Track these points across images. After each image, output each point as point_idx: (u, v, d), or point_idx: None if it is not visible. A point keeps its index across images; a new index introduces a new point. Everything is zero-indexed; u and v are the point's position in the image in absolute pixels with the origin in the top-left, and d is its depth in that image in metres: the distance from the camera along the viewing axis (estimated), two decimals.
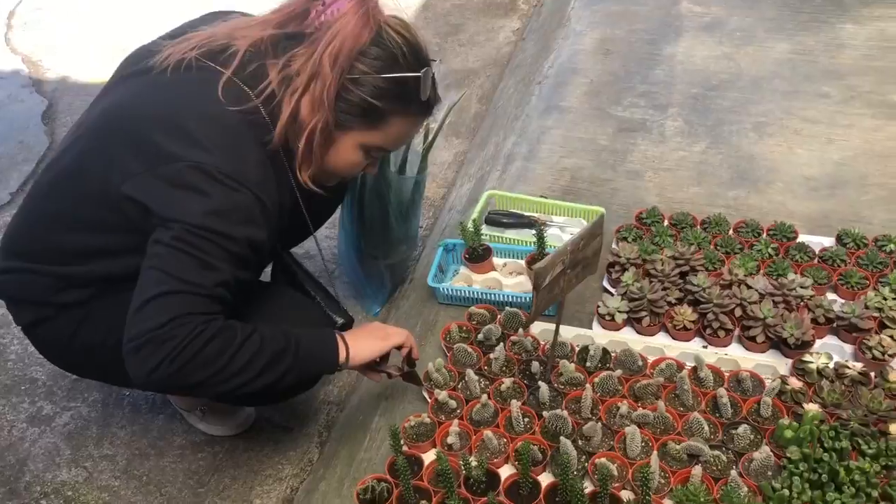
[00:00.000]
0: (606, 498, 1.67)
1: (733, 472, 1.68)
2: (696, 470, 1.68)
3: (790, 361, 1.95)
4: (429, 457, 1.87)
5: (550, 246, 2.25)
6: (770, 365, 1.96)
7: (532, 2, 4.22)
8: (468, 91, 3.56)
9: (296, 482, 2.13)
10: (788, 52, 3.13)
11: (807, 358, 1.90)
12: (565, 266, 1.72)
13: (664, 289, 2.08)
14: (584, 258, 1.77)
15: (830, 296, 2.11)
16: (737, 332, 2.02)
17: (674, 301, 2.08)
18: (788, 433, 1.73)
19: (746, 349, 2.02)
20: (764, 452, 1.70)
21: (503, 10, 4.20)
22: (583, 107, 3.00)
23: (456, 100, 2.84)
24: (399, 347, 1.87)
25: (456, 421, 1.86)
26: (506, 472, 1.81)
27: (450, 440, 1.84)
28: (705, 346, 2.05)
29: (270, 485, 2.14)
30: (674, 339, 2.08)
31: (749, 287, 2.05)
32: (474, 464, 1.75)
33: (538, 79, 3.23)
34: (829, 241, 2.26)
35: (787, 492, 1.63)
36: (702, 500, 1.60)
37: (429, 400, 2.00)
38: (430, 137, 2.31)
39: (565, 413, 1.82)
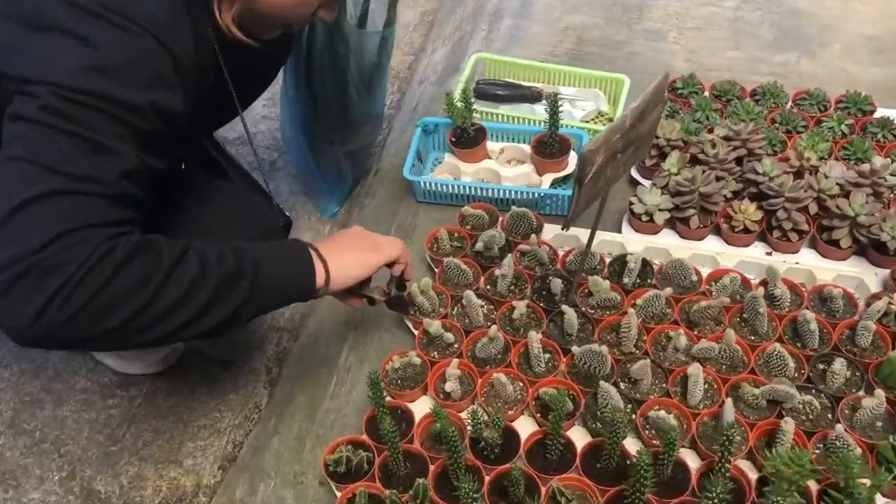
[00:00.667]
0: (670, 464, 1.23)
1: (839, 427, 1.25)
2: (787, 423, 1.24)
3: (884, 272, 1.51)
4: (419, 407, 1.39)
5: (563, 125, 1.72)
6: (855, 276, 1.52)
7: None
8: None
9: (239, 435, 1.64)
10: None
11: None
12: (618, 148, 1.20)
13: (717, 179, 1.59)
14: (639, 137, 1.26)
15: None
16: (811, 233, 1.56)
17: (729, 195, 1.60)
18: None
19: (822, 255, 1.57)
20: (878, 398, 1.26)
21: None
22: None
23: None
24: (390, 264, 1.36)
25: (455, 360, 1.38)
26: (524, 427, 1.35)
27: (448, 386, 1.36)
28: (769, 253, 1.58)
29: (206, 439, 1.64)
30: (728, 243, 1.61)
31: (826, 176, 1.57)
32: (485, 419, 1.28)
33: None
34: None
35: None
36: (808, 469, 1.17)
37: (414, 332, 1.51)
38: None
39: (603, 348, 1.35)
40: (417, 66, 2.37)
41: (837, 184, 1.56)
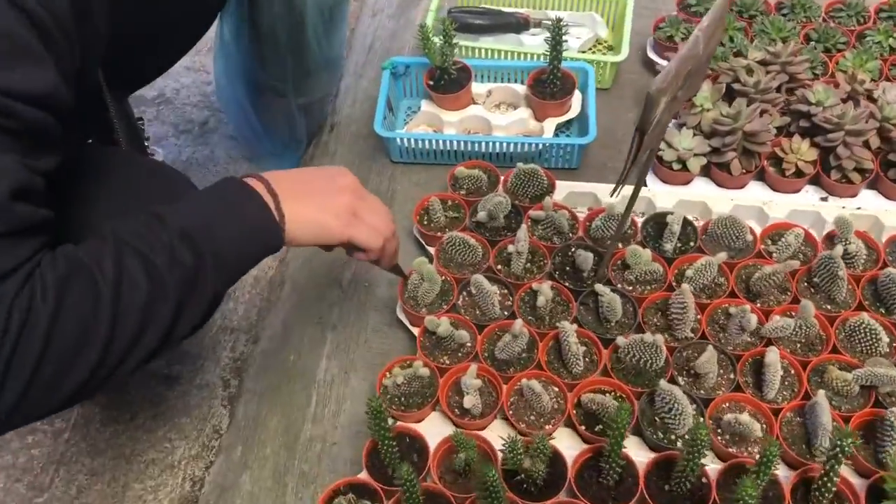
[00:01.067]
0: (763, 483, 0.97)
1: None
2: None
3: None
4: (431, 428, 1.10)
5: (564, 58, 1.41)
6: None
7: None
8: None
9: (197, 469, 1.32)
10: None
11: None
12: (683, 82, 0.90)
13: (762, 112, 1.31)
14: (699, 66, 0.96)
15: None
16: (875, 172, 1.30)
17: (774, 132, 1.32)
18: None
19: (887, 197, 1.31)
20: None
21: None
22: None
23: None
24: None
25: (473, 367, 1.08)
26: (563, 442, 1.08)
27: (467, 402, 1.07)
28: (824, 199, 1.32)
29: (156, 477, 1.32)
30: (775, 190, 1.34)
31: (888, 101, 1.31)
32: (523, 443, 0.99)
33: None
34: None
35: None
36: None
37: (412, 329, 1.21)
38: None
39: (657, 338, 1.07)
40: None
41: None
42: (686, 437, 1.05)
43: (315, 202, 0.94)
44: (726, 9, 0.94)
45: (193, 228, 0.84)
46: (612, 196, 0.99)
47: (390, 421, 1.01)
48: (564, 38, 1.35)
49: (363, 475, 1.05)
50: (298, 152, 1.65)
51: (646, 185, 1.35)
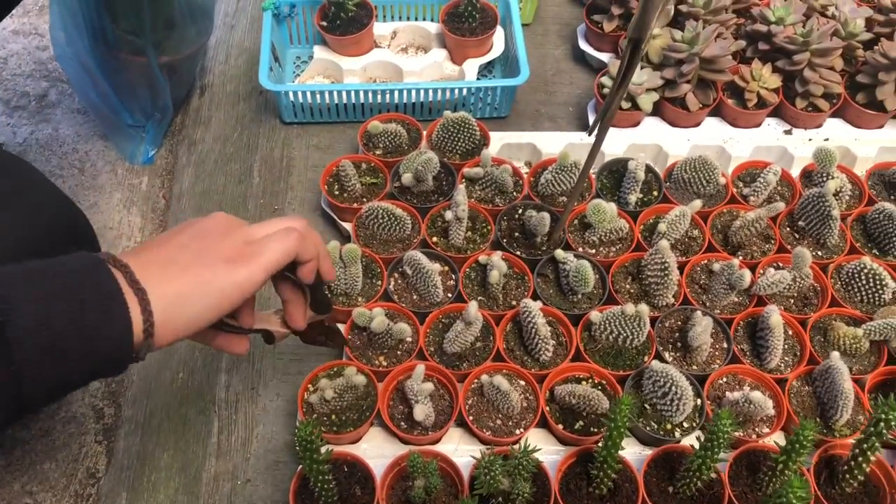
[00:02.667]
0: (795, 466, 0.79)
1: None
2: None
3: None
4: (372, 449, 0.87)
5: None
6: None
7: None
8: None
9: None
10: None
11: None
12: None
13: (718, 37, 1.13)
14: None
15: None
16: (841, 97, 1.16)
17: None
18: None
19: (855, 125, 1.17)
20: None
21: None
22: None
23: None
24: (292, 267, 0.69)
25: (420, 367, 0.85)
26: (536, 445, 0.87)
27: (418, 413, 0.84)
28: (788, 132, 1.17)
29: None
30: (733, 125, 1.17)
31: (848, 16, 1.16)
32: (499, 466, 0.77)
33: None
34: None
35: None
36: None
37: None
38: None
39: (641, 308, 0.88)
40: None
41: (862, 22, 1.15)
42: (685, 424, 0.87)
43: (187, 269, 0.61)
44: None
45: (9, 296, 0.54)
46: (589, 134, 0.78)
47: (324, 449, 0.77)
48: None
49: None
50: (163, 124, 1.36)
51: (584, 130, 1.15)
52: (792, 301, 0.97)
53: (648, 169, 1.06)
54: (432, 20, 1.25)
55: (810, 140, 1.14)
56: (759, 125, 1.16)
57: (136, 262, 0.58)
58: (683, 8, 1.16)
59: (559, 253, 0.94)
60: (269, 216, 1.12)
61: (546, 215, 0.96)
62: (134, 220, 1.29)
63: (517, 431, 0.87)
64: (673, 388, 0.84)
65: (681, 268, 0.97)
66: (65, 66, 1.27)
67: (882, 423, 0.75)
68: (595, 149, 0.88)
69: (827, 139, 1.15)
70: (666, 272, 0.91)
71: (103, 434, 1.12)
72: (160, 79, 1.26)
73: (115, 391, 1.15)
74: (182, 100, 1.41)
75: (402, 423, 0.87)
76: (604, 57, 1.23)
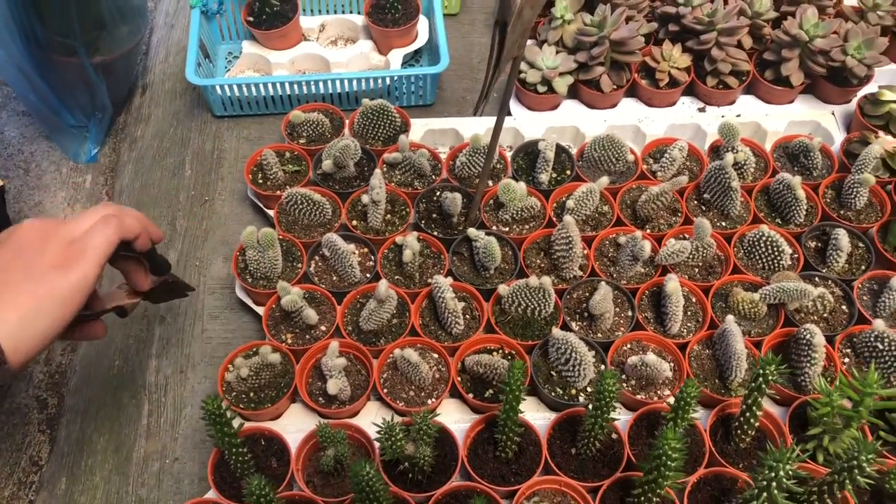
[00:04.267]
0: (683, 423, 0.84)
1: (879, 323, 0.91)
2: (814, 334, 0.89)
3: (844, 109, 1.18)
4: (292, 424, 0.91)
5: None
6: (810, 120, 1.18)
7: None
8: None
9: None
10: None
11: (885, 95, 1.13)
12: None
13: (628, 19, 1.17)
14: None
15: None
16: (751, 74, 1.20)
17: (642, 41, 1.19)
18: None
19: (766, 101, 1.22)
20: None
21: None
22: None
23: None
24: (121, 249, 0.72)
25: (333, 344, 0.89)
26: (450, 417, 0.91)
27: (331, 387, 0.88)
28: (701, 109, 1.21)
29: None
30: (648, 104, 1.21)
31: None
32: (401, 432, 0.81)
33: None
34: None
35: None
36: (878, 395, 0.82)
37: (257, 310, 1.00)
38: None
39: (544, 280, 0.92)
40: None
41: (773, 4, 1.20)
42: (589, 389, 0.91)
43: (20, 287, 0.63)
44: None
45: None
46: (475, 113, 0.82)
47: (236, 423, 0.81)
48: None
49: (211, 494, 0.85)
50: (105, 122, 1.39)
51: (510, 115, 1.19)
52: (696, 270, 1.01)
53: (561, 149, 1.10)
54: (359, 13, 1.29)
55: (723, 117, 1.19)
56: (673, 104, 1.21)
57: None
58: None
59: (471, 231, 0.98)
60: (199, 207, 1.16)
61: (458, 196, 1.00)
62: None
63: (430, 401, 0.91)
64: (573, 354, 0.88)
65: (592, 242, 1.02)
66: (2, 71, 1.30)
67: (761, 379, 0.79)
68: (496, 132, 0.92)
69: (738, 115, 1.19)
70: (570, 245, 0.96)
71: (46, 423, 1.15)
72: (95, 78, 1.30)
73: (58, 382, 1.19)
74: (124, 98, 1.45)
75: (321, 399, 0.91)
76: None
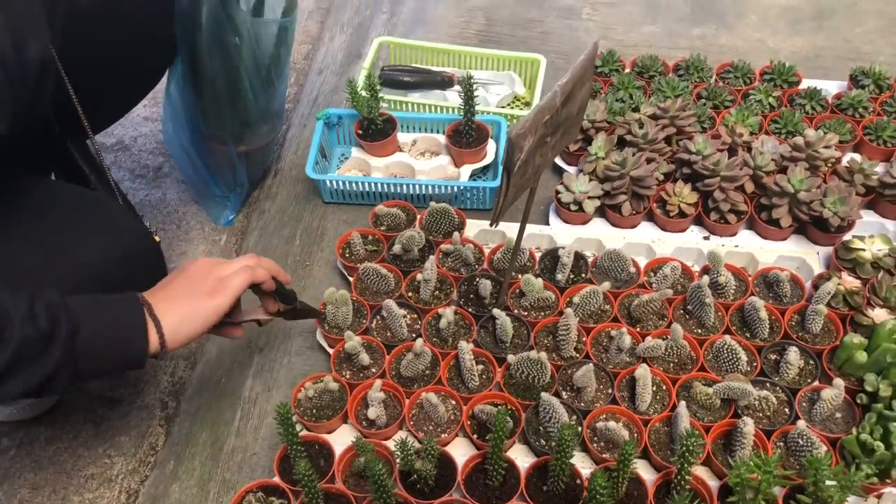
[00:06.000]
0: (625, 481, 1.10)
1: (801, 423, 1.14)
2: (747, 424, 1.13)
3: (827, 250, 1.42)
4: (340, 439, 1.22)
5: (479, 111, 1.57)
6: (797, 256, 1.43)
7: None
8: None
9: (133, 483, 1.42)
10: None
11: (855, 244, 1.37)
12: (547, 130, 1.06)
13: (649, 160, 1.47)
14: (569, 117, 1.12)
15: (851, 155, 1.58)
16: (749, 213, 1.46)
17: (661, 178, 1.49)
18: (860, 356, 1.21)
19: (762, 237, 1.47)
20: (836, 388, 1.17)
21: None
22: None
23: None
24: (257, 286, 1.14)
25: (378, 382, 1.21)
26: (460, 451, 1.20)
27: (371, 413, 1.19)
28: (706, 238, 1.48)
29: (94, 490, 1.41)
30: (663, 229, 1.49)
31: (761, 152, 1.48)
32: (416, 446, 1.11)
33: None
34: (836, 86, 1.72)
35: (881, 445, 1.11)
36: (777, 475, 1.05)
37: (329, 350, 1.33)
38: None
39: (541, 355, 1.21)
40: (315, 56, 2.18)
41: (772, 159, 1.47)
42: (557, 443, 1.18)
43: (184, 302, 1.03)
44: (588, 71, 1.10)
45: (70, 306, 0.94)
46: (491, 226, 1.13)
47: (299, 427, 1.13)
48: (476, 94, 1.51)
49: (276, 479, 1.16)
50: (241, 196, 1.80)
51: (548, 224, 1.50)
52: (671, 365, 1.27)
53: (580, 256, 1.39)
54: (442, 133, 1.64)
55: (723, 245, 1.45)
56: (683, 231, 1.48)
57: (153, 299, 1.01)
58: (629, 137, 1.50)
59: (496, 311, 1.28)
60: (301, 270, 1.52)
61: (488, 283, 1.31)
62: None
63: (443, 436, 1.20)
64: (554, 414, 1.16)
65: (591, 331, 1.29)
66: (170, 149, 1.73)
67: (686, 448, 1.04)
68: (518, 239, 1.23)
69: (737, 246, 1.45)
70: (568, 331, 1.24)
71: (165, 420, 1.51)
72: (238, 162, 1.70)
73: (178, 390, 1.55)
74: (259, 178, 1.85)
75: (363, 422, 1.22)
76: (571, 169, 1.58)
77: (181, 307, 1.03)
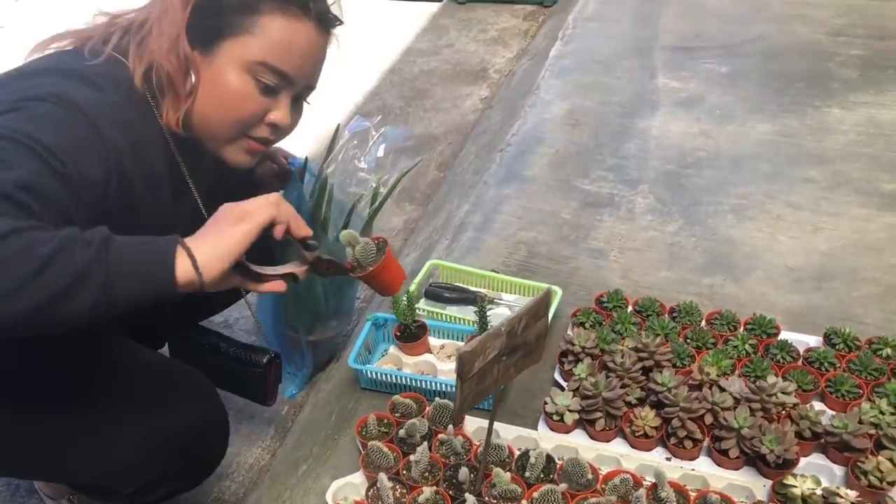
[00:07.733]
0: None
1: None
2: None
3: (769, 483, 1.62)
4: None
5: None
6: (745, 486, 1.62)
7: (503, 71, 4.01)
8: (426, 157, 3.30)
9: None
10: (771, 133, 2.90)
11: (789, 481, 1.56)
12: (500, 351, 1.40)
13: (623, 386, 1.76)
14: (526, 343, 1.45)
15: (817, 405, 1.79)
16: (706, 442, 1.69)
17: (634, 402, 1.76)
18: None
19: (717, 464, 1.69)
20: None
21: (472, 78, 3.99)
22: (546, 177, 2.73)
23: (411, 165, 2.54)
24: (271, 227, 1.28)
25: None
26: None
27: None
28: (669, 459, 1.71)
29: None
30: (632, 447, 1.74)
31: (722, 390, 1.73)
32: None
33: (500, 146, 2.97)
34: (815, 341, 1.96)
35: None
36: None
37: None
38: (378, 201, 2.02)
39: None
40: None
41: (734, 398, 1.71)
42: None
43: (212, 234, 1.20)
44: (541, 308, 1.44)
45: (105, 234, 1.08)
46: (453, 424, 1.44)
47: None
48: (492, 312, 1.88)
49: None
50: (305, 377, 2.20)
51: (536, 429, 1.79)
52: None
53: (551, 459, 1.66)
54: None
55: (682, 468, 1.67)
56: (650, 450, 1.72)
57: (191, 241, 1.17)
58: (611, 365, 1.80)
59: (468, 496, 1.56)
60: (330, 441, 1.86)
61: (466, 470, 1.60)
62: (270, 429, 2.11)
63: None
64: None
65: None
66: (264, 325, 2.17)
67: None
68: (487, 442, 1.53)
69: (693, 469, 1.67)
70: None
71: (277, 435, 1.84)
72: (305, 349, 2.12)
73: (284, 426, 1.89)
74: (324, 363, 2.26)
75: None
76: (566, 385, 1.87)
77: (210, 238, 1.18)
